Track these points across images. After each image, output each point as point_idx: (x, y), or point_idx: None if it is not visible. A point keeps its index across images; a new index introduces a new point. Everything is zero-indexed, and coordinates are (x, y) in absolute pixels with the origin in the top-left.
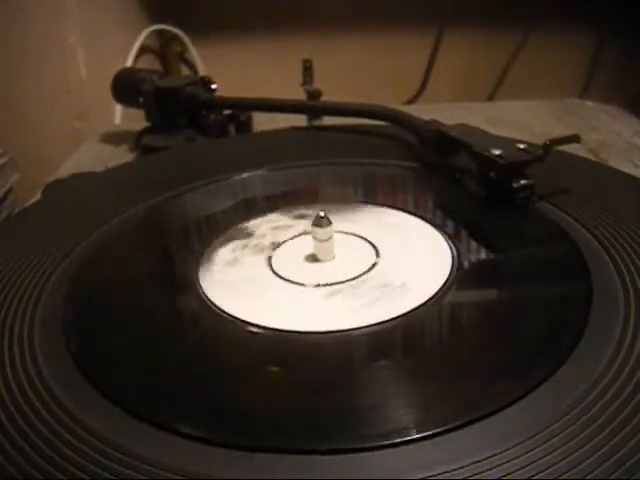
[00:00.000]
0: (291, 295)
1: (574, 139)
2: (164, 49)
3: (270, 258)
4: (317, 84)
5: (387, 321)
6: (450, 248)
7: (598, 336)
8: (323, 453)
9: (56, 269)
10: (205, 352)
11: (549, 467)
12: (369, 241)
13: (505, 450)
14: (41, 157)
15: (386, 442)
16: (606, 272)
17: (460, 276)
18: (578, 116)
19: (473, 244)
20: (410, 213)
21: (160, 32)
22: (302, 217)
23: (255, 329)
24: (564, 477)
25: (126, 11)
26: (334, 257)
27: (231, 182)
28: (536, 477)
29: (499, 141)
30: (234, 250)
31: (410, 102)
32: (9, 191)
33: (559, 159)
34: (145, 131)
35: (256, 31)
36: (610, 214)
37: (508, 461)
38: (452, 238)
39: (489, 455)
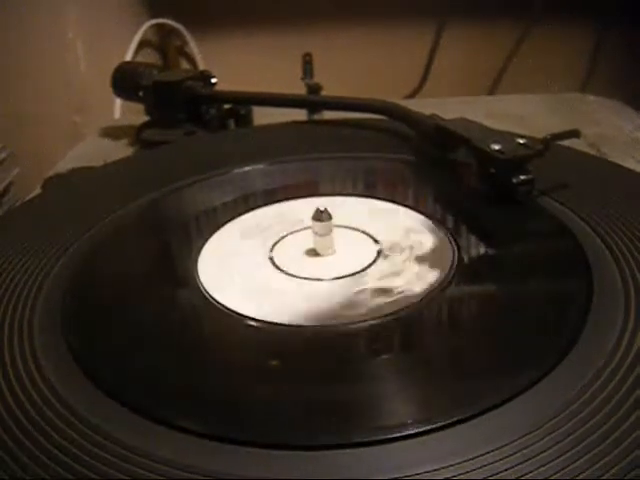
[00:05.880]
0: (291, 289)
1: (574, 134)
2: (164, 43)
3: (270, 252)
4: (317, 78)
5: (387, 315)
6: (450, 243)
7: (598, 332)
8: (316, 449)
9: (56, 263)
10: (205, 346)
11: (543, 465)
12: (369, 235)
13: (499, 448)
14: (41, 151)
15: (379, 438)
16: (607, 266)
17: (460, 271)
18: (579, 110)
19: (473, 239)
20: (410, 207)
21: (160, 26)
22: (302, 211)
23: (255, 323)
24: (559, 475)
25: (125, 5)
26: (334, 251)
27: (231, 176)
28: (526, 477)
29: (499, 135)
30: (234, 244)
31: (410, 96)
32: (10, 185)
33: (559, 154)
34: (145, 125)
35: (256, 25)
36: (611, 209)
37: (501, 459)
38: (452, 233)
39: (483, 453)
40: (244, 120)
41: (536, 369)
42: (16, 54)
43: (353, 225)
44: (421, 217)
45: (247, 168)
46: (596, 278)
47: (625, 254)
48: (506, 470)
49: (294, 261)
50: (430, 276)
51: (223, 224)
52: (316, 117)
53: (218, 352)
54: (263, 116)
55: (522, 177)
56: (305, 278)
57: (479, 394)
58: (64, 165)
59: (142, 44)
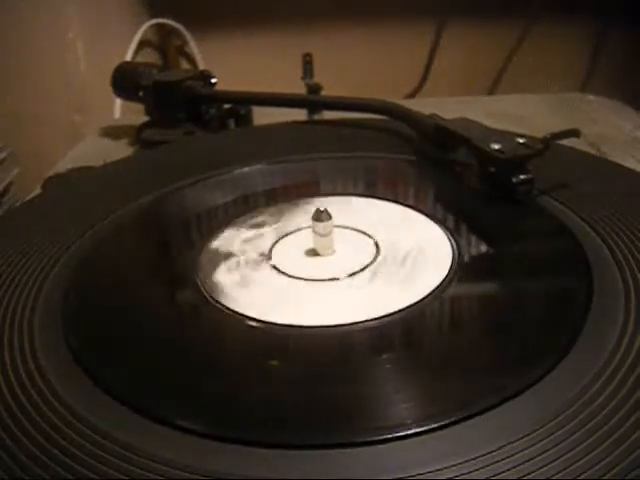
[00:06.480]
0: (291, 289)
1: (574, 133)
2: (164, 43)
3: (270, 252)
4: (317, 78)
5: (387, 315)
6: (450, 242)
7: (598, 332)
8: (316, 449)
9: (56, 263)
10: (205, 346)
11: (544, 465)
12: (369, 235)
13: (500, 448)
14: (41, 151)
15: (379, 438)
16: (607, 266)
17: (460, 271)
18: (579, 110)
19: (473, 238)
20: (410, 207)
21: (160, 26)
22: (302, 211)
23: (255, 323)
24: (560, 475)
25: (125, 5)
26: (334, 251)
27: (231, 176)
28: (528, 477)
29: (499, 135)
30: (234, 244)
31: (410, 96)
32: (10, 185)
33: (559, 153)
34: (145, 125)
35: (256, 25)
36: (610, 208)
37: (498, 461)
38: (452, 232)
39: (484, 453)
40: (244, 120)
41: (536, 369)
42: (16, 54)
43: (353, 225)
44: (421, 217)
45: (247, 168)
46: (596, 278)
47: (625, 254)
48: (507, 470)
49: (294, 261)
50: (430, 276)
51: (223, 224)
52: (316, 117)
53: (218, 352)
54: (263, 116)
55: (522, 177)
56: (305, 278)
57: (479, 394)
58: (64, 165)
59: (142, 44)
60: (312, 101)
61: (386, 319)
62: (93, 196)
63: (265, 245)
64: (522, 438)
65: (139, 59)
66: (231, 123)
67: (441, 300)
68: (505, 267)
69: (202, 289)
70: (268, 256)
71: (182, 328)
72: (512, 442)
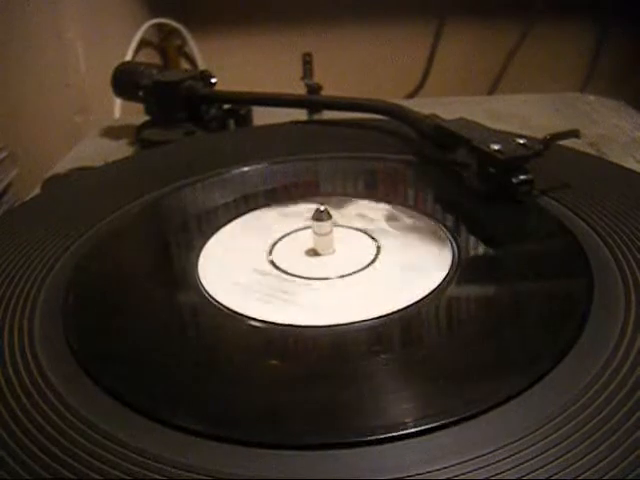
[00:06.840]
0: (291, 289)
1: (574, 134)
2: (164, 43)
3: (270, 252)
4: (317, 78)
5: (386, 315)
6: (450, 243)
7: (598, 332)
8: (316, 449)
9: (56, 263)
10: (205, 346)
11: (544, 466)
12: (369, 235)
13: (500, 448)
14: (40, 151)
15: (378, 438)
16: (607, 266)
17: (460, 271)
18: (579, 110)
19: (473, 239)
20: (410, 207)
21: (160, 26)
22: (302, 211)
23: (255, 323)
24: (559, 476)
25: (125, 5)
26: (334, 251)
27: (230, 176)
28: (527, 477)
29: (498, 136)
30: (234, 244)
31: (410, 96)
32: (9, 185)
33: (559, 154)
34: (145, 125)
35: (256, 25)
36: (611, 208)
37: (498, 460)
38: (452, 233)
39: (484, 453)
40: (244, 120)
41: (536, 369)
42: (16, 54)
43: (353, 225)
44: (421, 217)
45: (247, 168)
46: (596, 278)
47: (625, 254)
48: (508, 470)
49: (294, 261)
50: (430, 276)
51: (223, 224)
52: (316, 117)
53: (218, 352)
54: (263, 116)
55: (522, 177)
56: (305, 278)
57: (479, 394)
58: (64, 165)
59: (142, 44)
60: (312, 101)
61: (386, 319)
62: (93, 196)
63: (265, 245)
64: (522, 438)
65: (139, 59)
66: (231, 123)
67: (441, 300)
68: (505, 267)
69: (202, 289)
70: (268, 256)
71: (182, 328)
72: (512, 442)
